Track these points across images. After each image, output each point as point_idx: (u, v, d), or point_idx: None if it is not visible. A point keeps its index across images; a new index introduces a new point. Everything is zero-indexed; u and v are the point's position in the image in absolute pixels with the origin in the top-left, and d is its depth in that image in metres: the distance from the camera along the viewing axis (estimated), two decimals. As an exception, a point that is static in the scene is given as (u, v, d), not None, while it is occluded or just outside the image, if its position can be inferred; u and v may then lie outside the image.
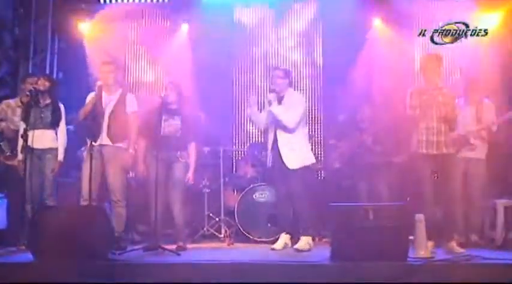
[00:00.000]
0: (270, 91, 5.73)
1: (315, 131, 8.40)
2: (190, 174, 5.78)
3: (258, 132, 8.37)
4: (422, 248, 4.79)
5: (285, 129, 5.61)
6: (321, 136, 8.38)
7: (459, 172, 5.86)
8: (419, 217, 4.90)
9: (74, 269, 4.32)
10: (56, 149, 5.88)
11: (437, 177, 5.30)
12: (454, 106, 5.38)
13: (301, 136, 5.73)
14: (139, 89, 8.56)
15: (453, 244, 5.15)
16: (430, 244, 4.98)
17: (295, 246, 5.46)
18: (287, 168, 5.59)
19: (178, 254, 5.07)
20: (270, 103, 5.65)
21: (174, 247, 5.52)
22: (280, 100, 5.72)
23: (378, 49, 8.15)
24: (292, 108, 5.62)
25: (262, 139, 7.82)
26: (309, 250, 5.42)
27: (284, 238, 5.69)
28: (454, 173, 5.53)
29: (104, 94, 5.63)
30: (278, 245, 5.63)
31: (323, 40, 8.60)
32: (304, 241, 5.48)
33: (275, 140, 5.70)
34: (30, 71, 7.59)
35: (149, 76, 8.66)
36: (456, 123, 5.50)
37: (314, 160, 5.83)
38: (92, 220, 4.72)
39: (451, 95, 5.40)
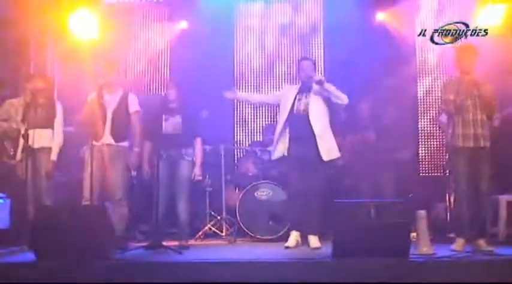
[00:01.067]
0: (309, 77, 5.61)
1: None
2: (196, 170, 5.79)
3: (259, 130, 8.35)
4: (425, 245, 4.78)
5: (340, 106, 5.64)
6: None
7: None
8: (421, 213, 4.89)
9: (76, 269, 4.32)
10: (51, 148, 5.89)
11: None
12: (491, 94, 5.21)
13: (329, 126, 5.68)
14: (139, 87, 8.55)
15: (482, 242, 5.04)
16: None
17: (313, 246, 5.39)
18: (320, 159, 5.48)
19: (181, 253, 5.06)
20: (321, 82, 5.49)
21: (176, 244, 5.54)
22: (309, 91, 5.65)
23: (380, 44, 8.15)
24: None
25: (262, 138, 7.83)
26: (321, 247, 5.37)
27: (295, 236, 5.53)
28: (487, 168, 5.30)
29: (105, 93, 5.62)
30: (291, 243, 5.48)
31: (324, 35, 8.56)
32: (316, 239, 5.45)
33: (307, 130, 5.52)
34: (31, 71, 7.58)
35: (149, 74, 8.64)
36: (494, 112, 5.36)
37: (339, 154, 5.67)
38: (93, 220, 4.69)
39: (486, 84, 5.22)
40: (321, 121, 5.58)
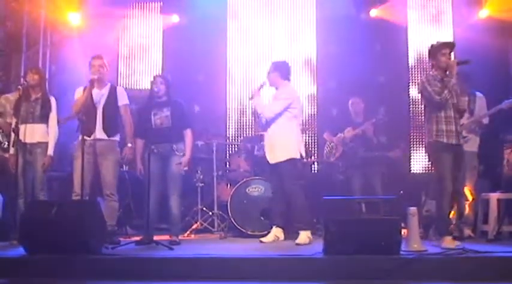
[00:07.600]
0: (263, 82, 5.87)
1: (309, 125, 8.37)
2: (185, 159, 5.73)
3: (251, 125, 8.33)
4: (415, 242, 4.79)
5: (268, 119, 5.74)
6: (315, 130, 8.35)
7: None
8: (412, 210, 4.90)
9: (66, 264, 4.32)
10: (47, 143, 5.81)
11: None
12: (463, 94, 5.29)
13: (287, 129, 5.70)
14: (130, 82, 8.52)
15: (448, 238, 5.06)
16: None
17: (296, 241, 5.44)
18: (267, 162, 5.77)
19: (172, 249, 5.06)
20: (255, 90, 5.87)
21: (167, 239, 5.53)
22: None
23: (373, 41, 8.16)
24: (276, 99, 5.77)
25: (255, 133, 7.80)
26: (309, 243, 5.40)
27: (275, 232, 5.68)
28: (464, 166, 5.42)
29: (94, 89, 5.57)
30: (267, 238, 5.64)
31: (317, 31, 8.50)
32: (304, 235, 5.47)
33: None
34: (22, 65, 7.53)
35: (141, 69, 8.59)
36: (463, 113, 5.44)
37: (296, 155, 5.69)
38: (84, 214, 4.67)
39: (458, 84, 5.24)
40: (273, 125, 5.73)
